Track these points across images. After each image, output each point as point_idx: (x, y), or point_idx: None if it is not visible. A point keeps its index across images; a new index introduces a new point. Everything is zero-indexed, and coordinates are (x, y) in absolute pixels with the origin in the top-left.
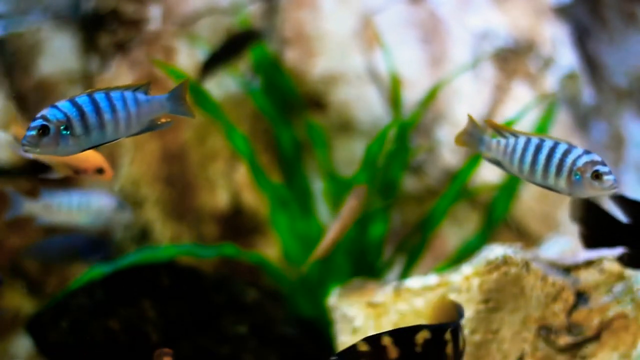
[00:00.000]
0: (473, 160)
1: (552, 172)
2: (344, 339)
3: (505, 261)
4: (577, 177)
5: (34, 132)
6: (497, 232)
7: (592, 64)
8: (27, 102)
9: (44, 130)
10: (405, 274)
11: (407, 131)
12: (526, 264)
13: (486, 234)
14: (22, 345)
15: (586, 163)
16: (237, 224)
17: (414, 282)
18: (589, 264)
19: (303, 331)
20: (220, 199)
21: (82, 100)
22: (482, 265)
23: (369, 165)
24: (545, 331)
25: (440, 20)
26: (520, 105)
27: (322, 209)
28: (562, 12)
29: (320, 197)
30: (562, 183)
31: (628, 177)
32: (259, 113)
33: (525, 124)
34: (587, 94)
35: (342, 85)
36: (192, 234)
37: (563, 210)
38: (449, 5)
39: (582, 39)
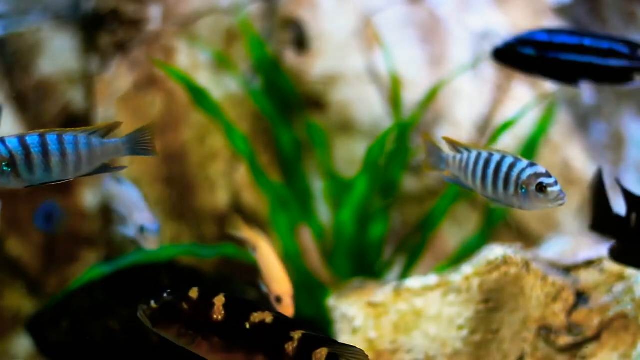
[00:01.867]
0: None
1: (500, 186)
2: (344, 339)
3: (505, 261)
4: (524, 190)
5: None
6: (497, 232)
7: None
8: (27, 102)
9: None
10: (405, 274)
11: (407, 131)
12: (526, 264)
13: (486, 234)
14: (22, 345)
15: (530, 176)
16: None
17: (414, 282)
18: (589, 264)
19: None
20: (220, 199)
21: (32, 139)
22: (482, 265)
23: (370, 166)
24: (545, 331)
25: (440, 20)
26: (520, 105)
27: (322, 209)
28: (562, 12)
29: (320, 197)
30: (511, 197)
31: (628, 177)
32: (259, 113)
33: (525, 124)
34: (587, 94)
35: (341, 85)
36: (192, 234)
37: (563, 211)
38: (449, 5)
39: None
